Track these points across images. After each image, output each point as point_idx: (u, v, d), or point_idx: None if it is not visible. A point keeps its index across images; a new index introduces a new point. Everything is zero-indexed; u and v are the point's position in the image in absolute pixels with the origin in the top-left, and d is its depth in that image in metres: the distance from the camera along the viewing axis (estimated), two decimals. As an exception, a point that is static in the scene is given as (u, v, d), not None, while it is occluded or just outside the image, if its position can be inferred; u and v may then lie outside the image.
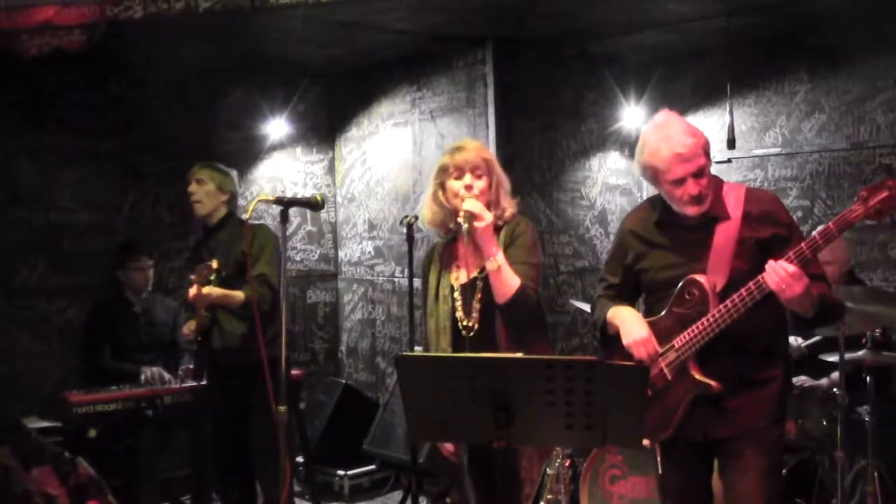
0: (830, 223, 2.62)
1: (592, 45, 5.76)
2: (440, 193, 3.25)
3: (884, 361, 4.04)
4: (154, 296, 5.33)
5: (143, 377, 4.87)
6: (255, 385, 4.04)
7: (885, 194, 2.56)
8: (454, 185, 3.18)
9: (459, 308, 3.19)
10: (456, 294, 3.22)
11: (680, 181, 2.80)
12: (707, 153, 2.83)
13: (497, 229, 3.16)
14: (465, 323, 3.18)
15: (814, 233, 2.65)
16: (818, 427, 4.20)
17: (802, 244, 2.63)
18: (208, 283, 4.05)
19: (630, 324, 2.93)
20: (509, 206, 3.22)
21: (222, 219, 4.42)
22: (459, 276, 3.24)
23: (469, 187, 3.15)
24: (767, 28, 5.38)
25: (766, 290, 2.65)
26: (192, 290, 4.10)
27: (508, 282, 3.04)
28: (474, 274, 3.18)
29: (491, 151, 3.29)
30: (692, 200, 2.81)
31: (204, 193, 4.38)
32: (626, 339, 2.91)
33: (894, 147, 5.25)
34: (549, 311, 5.50)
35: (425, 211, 3.32)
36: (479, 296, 3.15)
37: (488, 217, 3.04)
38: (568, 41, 5.65)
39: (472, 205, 3.04)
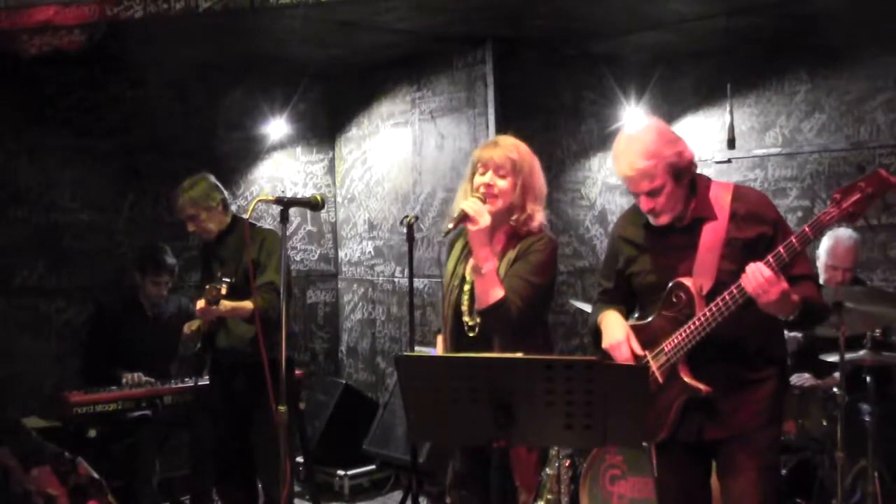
0: (806, 226, 2.60)
1: (592, 45, 5.76)
2: (469, 186, 3.14)
3: (884, 361, 4.04)
4: (167, 296, 5.27)
5: (123, 381, 4.84)
6: (257, 385, 4.04)
7: (857, 196, 2.55)
8: (477, 179, 3.09)
9: (465, 302, 3.12)
10: (466, 287, 3.13)
11: (634, 194, 2.87)
12: (671, 171, 2.78)
13: (519, 237, 3.08)
14: (467, 321, 3.11)
15: (791, 237, 2.64)
16: (818, 427, 4.20)
17: (780, 248, 2.62)
18: (216, 302, 4.04)
19: (610, 327, 2.95)
20: (538, 216, 3.10)
21: (227, 226, 4.40)
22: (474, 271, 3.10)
23: (490, 186, 3.05)
24: (767, 28, 5.38)
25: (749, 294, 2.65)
26: (201, 304, 4.09)
27: (490, 291, 2.95)
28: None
29: (528, 153, 3.15)
30: (649, 212, 2.86)
31: (203, 223, 4.34)
32: (604, 343, 2.94)
33: (894, 147, 5.25)
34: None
35: (456, 201, 3.20)
36: None
37: (483, 221, 2.93)
38: (568, 41, 5.64)
39: (468, 205, 2.95)
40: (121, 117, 5.72)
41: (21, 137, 5.40)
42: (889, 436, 4.13)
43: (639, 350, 2.88)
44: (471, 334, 3.10)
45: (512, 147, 3.11)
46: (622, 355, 2.87)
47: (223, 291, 4.00)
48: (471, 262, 3.10)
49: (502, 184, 3.06)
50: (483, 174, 3.08)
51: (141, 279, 5.11)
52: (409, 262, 3.68)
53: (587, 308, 4.87)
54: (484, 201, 3.01)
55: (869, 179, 2.55)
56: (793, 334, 4.38)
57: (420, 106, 5.98)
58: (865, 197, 2.55)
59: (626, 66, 6.11)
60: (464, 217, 2.95)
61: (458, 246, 3.27)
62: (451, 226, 2.97)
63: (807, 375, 4.43)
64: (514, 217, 3.09)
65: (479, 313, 3.02)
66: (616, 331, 2.92)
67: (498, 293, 2.96)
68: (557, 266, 3.21)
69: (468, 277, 3.13)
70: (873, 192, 2.54)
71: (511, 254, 3.07)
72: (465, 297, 3.13)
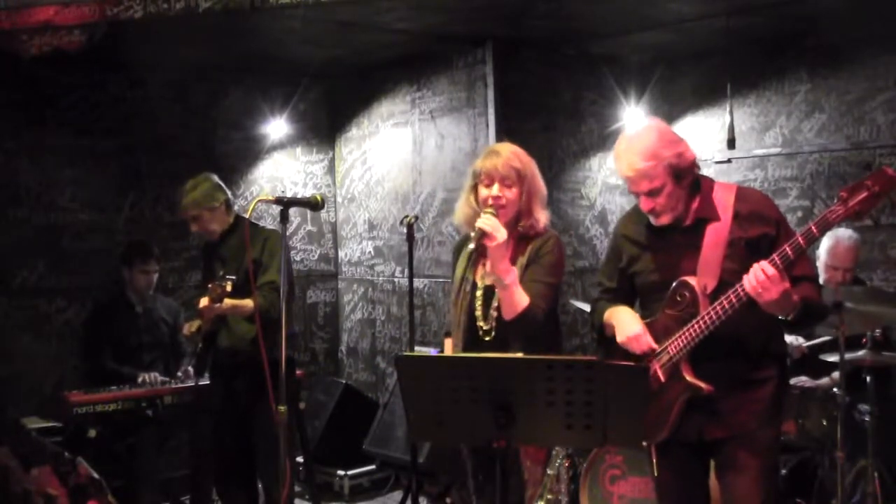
0: (812, 225, 2.61)
1: (592, 45, 5.76)
2: (472, 197, 3.20)
3: (884, 361, 4.04)
4: (155, 296, 5.32)
5: (139, 380, 4.86)
6: (257, 385, 4.04)
7: (864, 194, 2.56)
8: (483, 192, 3.14)
9: (479, 307, 3.17)
10: (478, 293, 3.19)
11: (635, 194, 2.88)
12: (671, 172, 2.80)
13: (527, 240, 3.14)
14: (482, 325, 3.15)
15: (796, 235, 2.65)
16: (818, 427, 4.20)
17: (786, 246, 2.63)
18: (220, 300, 4.04)
19: (624, 321, 2.95)
20: (542, 217, 3.17)
21: (230, 226, 4.39)
22: (486, 277, 3.19)
23: (498, 198, 3.10)
24: (767, 28, 5.38)
25: None
26: (204, 301, 4.09)
27: (517, 300, 3.03)
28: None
29: (527, 157, 3.20)
30: (649, 212, 2.88)
31: (206, 224, 4.32)
32: (620, 337, 2.93)
33: (894, 147, 5.25)
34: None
35: (458, 210, 3.28)
36: (496, 303, 3.12)
37: (500, 236, 2.98)
38: (568, 41, 5.64)
39: (485, 222, 2.98)
40: (121, 117, 5.72)
41: (21, 137, 5.40)
42: (889, 436, 4.13)
43: (654, 344, 2.88)
44: (487, 339, 3.14)
45: (513, 155, 3.16)
46: (641, 348, 2.87)
47: (228, 288, 3.99)
48: (480, 268, 3.18)
49: (509, 194, 3.12)
50: (489, 186, 3.13)
51: (129, 273, 5.13)
52: (409, 262, 3.69)
53: (587, 308, 4.87)
54: (496, 215, 3.04)
55: (875, 178, 2.56)
56: (796, 344, 4.39)
57: (420, 106, 5.98)
58: (872, 195, 2.56)
59: (626, 66, 6.11)
60: (482, 235, 2.98)
61: (465, 252, 3.29)
62: (472, 246, 3.02)
63: (804, 378, 4.43)
64: (521, 223, 3.15)
65: (508, 323, 3.07)
66: (632, 324, 2.92)
67: (524, 301, 3.03)
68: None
69: (479, 283, 3.19)
70: (880, 191, 2.55)
71: (522, 259, 3.13)
72: (479, 303, 3.18)
